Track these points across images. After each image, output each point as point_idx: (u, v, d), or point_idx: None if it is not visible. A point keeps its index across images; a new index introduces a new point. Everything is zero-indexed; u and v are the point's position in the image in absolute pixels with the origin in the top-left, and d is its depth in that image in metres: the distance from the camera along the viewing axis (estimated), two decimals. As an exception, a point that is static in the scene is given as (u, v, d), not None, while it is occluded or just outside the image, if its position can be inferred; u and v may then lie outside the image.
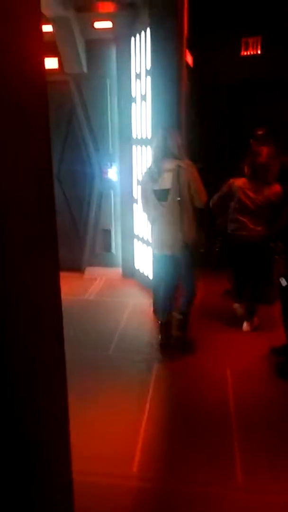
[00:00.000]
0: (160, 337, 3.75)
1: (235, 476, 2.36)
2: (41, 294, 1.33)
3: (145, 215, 3.74)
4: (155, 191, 3.42)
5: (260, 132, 4.20)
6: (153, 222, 3.56)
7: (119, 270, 5.64)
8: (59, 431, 1.63)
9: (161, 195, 3.39)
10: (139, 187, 3.61)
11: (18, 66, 1.04)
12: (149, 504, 2.21)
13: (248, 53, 5.28)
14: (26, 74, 1.09)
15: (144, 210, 3.65)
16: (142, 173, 3.90)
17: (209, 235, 3.92)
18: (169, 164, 3.35)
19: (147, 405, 2.96)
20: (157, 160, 3.39)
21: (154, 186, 3.42)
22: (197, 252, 3.57)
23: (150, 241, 3.70)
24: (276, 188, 3.75)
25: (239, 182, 3.82)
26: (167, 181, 3.34)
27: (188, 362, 3.52)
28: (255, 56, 5.26)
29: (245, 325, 4.04)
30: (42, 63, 1.17)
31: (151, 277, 4.75)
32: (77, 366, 3.16)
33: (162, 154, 3.37)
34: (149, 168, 3.49)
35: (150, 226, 3.66)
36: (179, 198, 3.33)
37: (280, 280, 3.23)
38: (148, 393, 3.09)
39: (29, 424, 1.30)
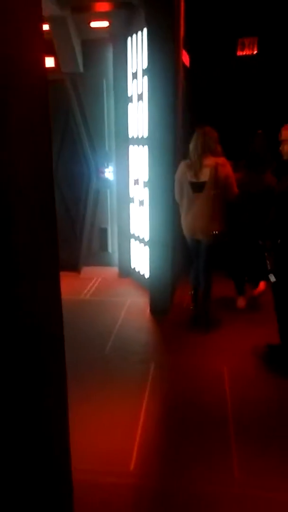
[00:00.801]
0: (192, 306, 4.20)
1: (232, 472, 2.37)
2: (42, 295, 1.33)
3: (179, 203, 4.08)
4: (191, 183, 3.79)
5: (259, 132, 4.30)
6: (186, 210, 3.92)
7: (115, 269, 5.65)
8: (59, 430, 1.63)
9: (198, 187, 3.76)
10: (175, 178, 4.00)
11: (20, 64, 1.05)
12: (147, 501, 2.22)
13: (244, 53, 5.32)
14: (27, 72, 1.09)
15: (177, 198, 4.03)
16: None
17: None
18: (208, 160, 3.72)
19: (144, 404, 2.97)
20: (199, 155, 3.73)
21: (192, 179, 3.78)
22: (222, 240, 3.93)
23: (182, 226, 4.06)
24: (271, 177, 4.06)
25: (237, 175, 4.05)
26: (205, 175, 3.71)
27: (186, 360, 3.54)
28: (251, 56, 5.29)
29: (239, 302, 4.45)
30: (43, 62, 1.17)
31: (147, 276, 4.76)
32: (74, 366, 3.13)
33: (203, 151, 3.72)
34: (191, 162, 3.81)
35: (182, 212, 4.02)
36: (214, 192, 3.70)
37: (270, 276, 3.26)
38: (145, 392, 3.10)
39: (30, 424, 1.31)
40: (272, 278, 3.26)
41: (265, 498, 2.22)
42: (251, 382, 3.23)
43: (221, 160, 3.74)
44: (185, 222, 3.97)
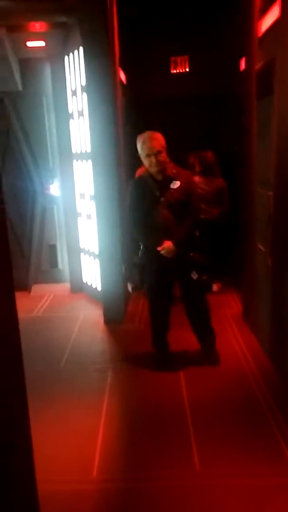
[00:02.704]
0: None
1: (193, 465, 2.43)
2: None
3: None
4: None
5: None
6: None
7: (67, 285, 5.62)
8: (22, 443, 1.62)
9: None
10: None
11: None
12: (113, 504, 2.21)
13: (177, 71, 5.64)
14: None
15: None
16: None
17: None
18: None
19: (104, 410, 2.97)
20: None
21: None
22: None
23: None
24: (221, 180, 4.98)
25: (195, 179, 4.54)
26: None
27: (142, 364, 3.58)
28: (183, 73, 5.62)
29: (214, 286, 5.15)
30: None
31: (99, 288, 4.79)
32: (30, 381, 3.10)
33: None
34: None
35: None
36: None
37: (192, 274, 3.37)
38: (104, 399, 3.11)
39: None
40: (194, 275, 3.36)
41: (226, 486, 2.30)
42: (206, 378, 3.34)
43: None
44: None
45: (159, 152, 3.20)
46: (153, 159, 3.20)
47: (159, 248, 3.26)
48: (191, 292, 3.48)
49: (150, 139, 3.22)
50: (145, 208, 3.30)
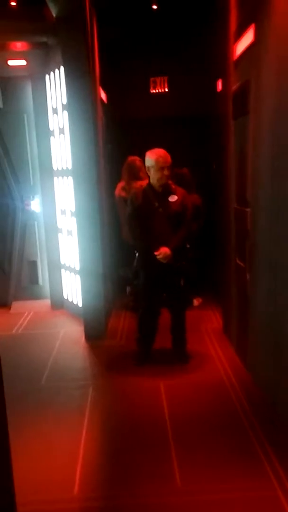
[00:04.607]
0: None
1: (174, 482, 2.41)
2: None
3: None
4: (125, 200, 4.58)
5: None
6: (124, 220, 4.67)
7: (47, 301, 5.57)
8: (1, 462, 1.59)
9: None
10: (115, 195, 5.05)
11: None
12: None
13: (156, 90, 5.80)
14: None
15: (118, 211, 5.05)
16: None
17: None
18: (134, 183, 4.57)
19: (85, 428, 2.93)
20: (128, 179, 4.85)
21: (125, 196, 4.69)
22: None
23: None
24: (196, 196, 5.00)
25: None
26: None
27: (123, 381, 3.56)
28: (162, 93, 5.78)
29: (195, 301, 5.22)
30: None
31: (80, 305, 4.77)
32: (9, 399, 3.05)
33: (130, 175, 4.84)
34: (124, 184, 4.92)
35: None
36: None
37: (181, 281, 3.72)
38: (85, 417, 3.07)
39: None
40: (182, 281, 3.72)
41: (207, 501, 2.28)
42: (187, 393, 3.34)
43: (144, 183, 4.33)
44: (125, 229, 4.72)
45: (169, 167, 3.60)
46: (166, 172, 3.57)
47: (156, 253, 3.55)
48: (176, 302, 3.81)
49: (164, 155, 3.58)
50: (144, 216, 3.62)
